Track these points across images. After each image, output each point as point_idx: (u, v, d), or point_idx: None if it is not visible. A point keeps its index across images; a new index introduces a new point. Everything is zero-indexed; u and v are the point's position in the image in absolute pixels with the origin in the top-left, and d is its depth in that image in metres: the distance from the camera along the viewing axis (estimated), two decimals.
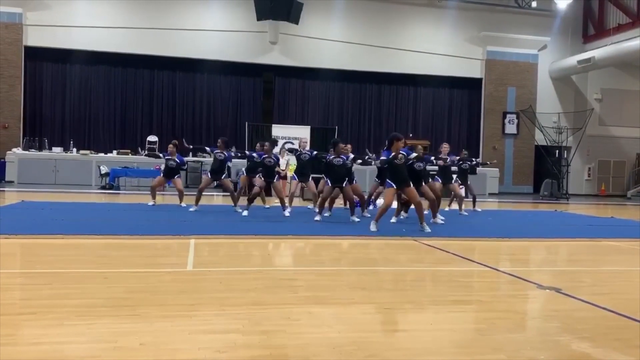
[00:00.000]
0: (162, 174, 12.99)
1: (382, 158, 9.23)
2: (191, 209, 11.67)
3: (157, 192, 13.36)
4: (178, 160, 12.62)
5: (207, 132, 23.12)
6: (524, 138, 25.07)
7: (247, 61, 22.84)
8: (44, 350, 3.22)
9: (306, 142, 12.50)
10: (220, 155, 11.95)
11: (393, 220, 10.50)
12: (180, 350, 3.28)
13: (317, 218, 10.33)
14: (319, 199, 10.89)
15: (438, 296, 5.02)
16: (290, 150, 12.26)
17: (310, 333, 3.71)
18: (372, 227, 8.95)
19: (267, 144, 11.69)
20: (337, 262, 6.87)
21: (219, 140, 12.27)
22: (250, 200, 11.17)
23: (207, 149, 12.49)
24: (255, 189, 11.32)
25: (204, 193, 12.25)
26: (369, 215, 11.29)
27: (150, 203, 12.38)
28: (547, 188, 22.10)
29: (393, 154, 8.98)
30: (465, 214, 12.82)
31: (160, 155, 13.53)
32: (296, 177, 12.12)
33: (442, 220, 10.57)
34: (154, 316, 4.00)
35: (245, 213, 10.92)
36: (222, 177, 12.09)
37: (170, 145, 12.72)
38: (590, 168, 26.72)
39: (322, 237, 8.37)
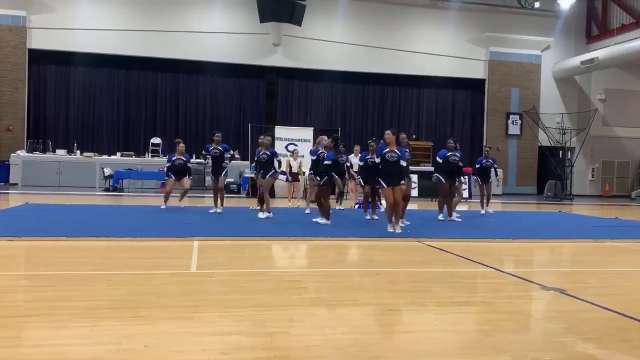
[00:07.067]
0: (172, 177, 12.57)
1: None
2: (213, 211, 11.74)
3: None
4: (185, 158, 12.63)
5: (210, 134, 23.03)
6: (527, 139, 25.03)
7: (250, 63, 22.85)
8: (48, 353, 3.22)
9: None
10: (216, 152, 11.73)
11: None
12: (184, 352, 3.28)
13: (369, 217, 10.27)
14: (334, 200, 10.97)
15: (442, 297, 5.01)
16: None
17: (314, 335, 3.71)
18: (390, 229, 9.05)
19: (262, 137, 11.68)
20: (340, 264, 6.86)
21: (219, 135, 11.89)
22: (261, 201, 11.20)
23: (206, 154, 12.06)
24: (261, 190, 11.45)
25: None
26: (369, 217, 11.31)
27: (163, 206, 12.21)
28: (550, 189, 22.05)
29: (386, 150, 9.05)
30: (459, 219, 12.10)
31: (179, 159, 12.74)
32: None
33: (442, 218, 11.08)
34: (158, 318, 4.00)
35: (261, 215, 10.95)
36: (222, 175, 11.79)
37: (182, 145, 12.73)
38: (594, 169, 26.64)
39: (325, 239, 8.36)
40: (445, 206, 11.52)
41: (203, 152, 12.49)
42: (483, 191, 13.28)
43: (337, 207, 12.80)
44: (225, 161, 11.86)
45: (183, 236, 7.96)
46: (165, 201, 12.40)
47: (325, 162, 10.23)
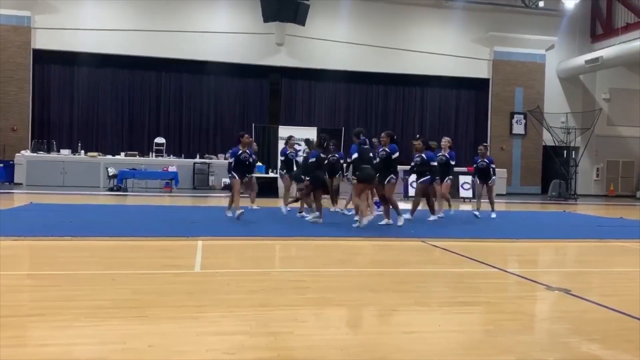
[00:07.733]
0: (237, 176, 10.68)
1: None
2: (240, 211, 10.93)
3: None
4: (248, 152, 10.79)
5: (213, 134, 23.19)
6: (531, 138, 24.97)
7: (254, 63, 22.85)
8: (53, 352, 3.23)
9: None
10: (245, 156, 10.70)
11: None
12: (188, 352, 3.28)
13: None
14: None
15: (446, 297, 5.00)
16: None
17: (317, 335, 3.71)
18: (400, 222, 9.13)
19: (293, 137, 11.79)
20: (344, 264, 6.85)
21: (249, 137, 10.93)
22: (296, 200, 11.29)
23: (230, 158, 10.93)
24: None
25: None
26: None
27: (229, 213, 10.82)
28: (555, 188, 21.97)
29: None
30: (441, 216, 11.73)
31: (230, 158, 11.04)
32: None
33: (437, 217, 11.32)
34: (162, 318, 4.01)
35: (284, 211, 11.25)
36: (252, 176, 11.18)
37: (247, 135, 10.88)
38: (599, 168, 26.55)
39: (329, 239, 8.35)
40: (439, 204, 11.70)
41: (228, 157, 11.30)
42: (481, 191, 12.56)
43: (332, 209, 12.17)
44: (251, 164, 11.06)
45: (187, 236, 7.97)
46: (231, 205, 10.91)
47: (310, 160, 10.08)
